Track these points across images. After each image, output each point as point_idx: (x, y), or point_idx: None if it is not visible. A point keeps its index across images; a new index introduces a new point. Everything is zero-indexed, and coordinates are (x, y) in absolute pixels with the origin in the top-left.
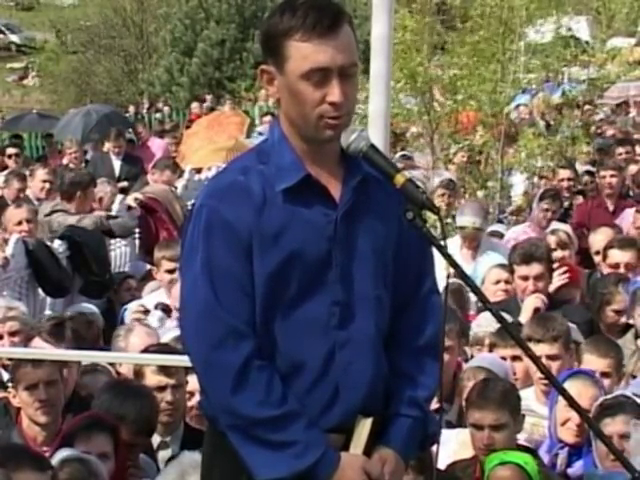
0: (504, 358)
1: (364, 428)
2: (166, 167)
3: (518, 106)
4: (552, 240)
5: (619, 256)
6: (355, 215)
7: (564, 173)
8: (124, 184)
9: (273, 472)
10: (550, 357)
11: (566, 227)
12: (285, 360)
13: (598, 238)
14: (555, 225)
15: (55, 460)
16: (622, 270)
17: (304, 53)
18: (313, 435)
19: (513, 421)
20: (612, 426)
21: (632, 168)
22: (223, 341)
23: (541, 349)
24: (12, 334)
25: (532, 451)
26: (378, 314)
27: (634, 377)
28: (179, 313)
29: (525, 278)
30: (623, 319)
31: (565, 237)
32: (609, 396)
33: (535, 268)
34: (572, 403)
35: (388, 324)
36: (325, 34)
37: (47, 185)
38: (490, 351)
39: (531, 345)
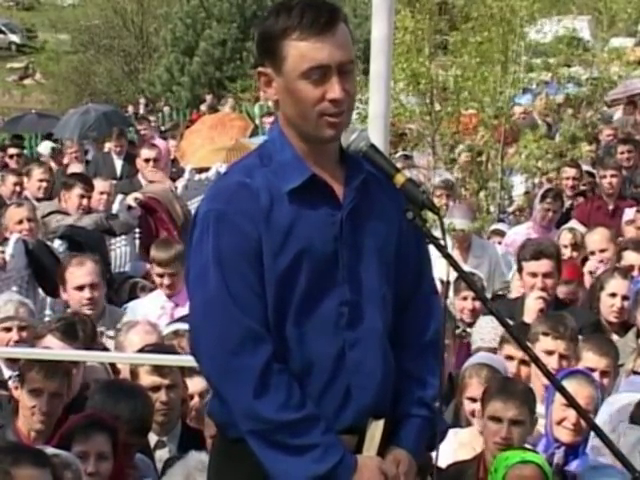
0: (512, 357)
1: (376, 430)
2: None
3: (519, 106)
4: (568, 237)
5: (634, 258)
6: (358, 215)
7: (570, 172)
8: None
9: (294, 478)
10: (563, 356)
11: (583, 228)
12: (297, 362)
13: (594, 238)
14: (572, 223)
15: None
16: (636, 273)
17: (302, 52)
18: (331, 439)
19: (530, 421)
20: None
21: None
22: (242, 345)
23: (557, 345)
24: (21, 329)
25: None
26: (384, 313)
27: (635, 373)
28: (189, 308)
29: (534, 275)
30: (617, 302)
31: (580, 239)
32: None
33: (544, 265)
34: (572, 402)
35: (391, 323)
36: (322, 32)
37: (44, 184)
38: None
39: (548, 340)
